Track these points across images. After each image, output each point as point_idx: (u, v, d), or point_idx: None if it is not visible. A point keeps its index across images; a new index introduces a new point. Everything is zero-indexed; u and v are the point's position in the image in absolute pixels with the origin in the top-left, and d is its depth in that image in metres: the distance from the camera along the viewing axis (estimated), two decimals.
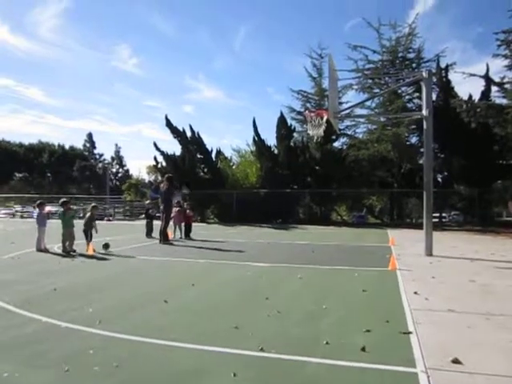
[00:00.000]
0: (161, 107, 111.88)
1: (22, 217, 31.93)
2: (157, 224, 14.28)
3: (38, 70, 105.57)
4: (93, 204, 12.25)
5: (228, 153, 30.88)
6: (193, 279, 6.96)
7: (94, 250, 10.37)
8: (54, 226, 11.60)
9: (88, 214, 11.43)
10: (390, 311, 4.97)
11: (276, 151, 26.08)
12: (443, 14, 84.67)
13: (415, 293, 5.85)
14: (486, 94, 22.94)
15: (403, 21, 27.36)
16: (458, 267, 8.33)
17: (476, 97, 23.14)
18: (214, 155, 27.23)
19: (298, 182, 25.42)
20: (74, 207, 20.76)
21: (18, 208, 35.84)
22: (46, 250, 10.65)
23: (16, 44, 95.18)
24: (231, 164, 28.76)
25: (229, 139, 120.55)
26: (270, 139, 30.93)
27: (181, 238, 14.50)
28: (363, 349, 3.66)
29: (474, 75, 22.81)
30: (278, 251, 11.20)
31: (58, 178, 65.35)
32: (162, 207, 13.69)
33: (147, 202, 17.97)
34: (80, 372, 3.24)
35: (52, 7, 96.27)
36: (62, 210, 11.13)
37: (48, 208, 13.06)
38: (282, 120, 25.92)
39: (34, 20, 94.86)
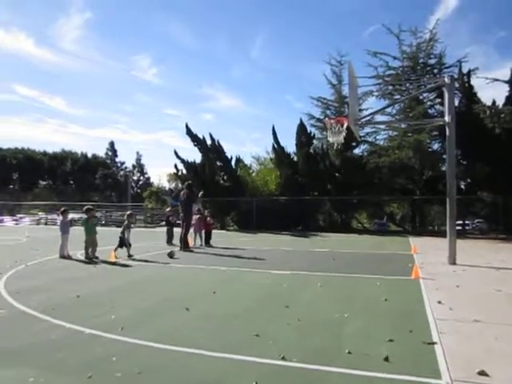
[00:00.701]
0: (180, 115, 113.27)
1: (46, 224, 32.55)
2: (177, 231, 14.37)
3: (61, 80, 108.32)
4: (128, 212, 12.40)
5: (247, 160, 30.91)
6: (214, 287, 6.98)
7: (117, 257, 10.50)
8: (77, 232, 11.80)
9: (125, 222, 11.57)
10: (414, 321, 4.88)
11: (295, 158, 26.04)
12: (463, 19, 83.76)
13: (439, 302, 5.74)
14: (510, 99, 22.44)
15: (423, 27, 27.11)
16: (483, 276, 8.14)
17: (500, 102, 22.70)
18: (233, 163, 27.34)
19: (317, 189, 25.26)
20: (98, 214, 21.10)
21: (43, 215, 36.57)
22: (69, 257, 10.83)
23: (40, 56, 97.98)
24: (251, 171, 28.82)
25: (248, 147, 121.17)
26: (290, 146, 30.95)
27: (201, 245, 14.56)
28: (386, 359, 3.61)
29: (497, 80, 22.41)
30: (298, 259, 11.14)
31: (80, 186, 66.55)
32: (181, 214, 13.81)
33: (168, 209, 18.15)
34: (103, 378, 3.28)
35: (75, 19, 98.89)
36: (85, 216, 11.32)
37: (71, 215, 13.30)
38: (301, 127, 25.88)
39: (57, 32, 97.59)
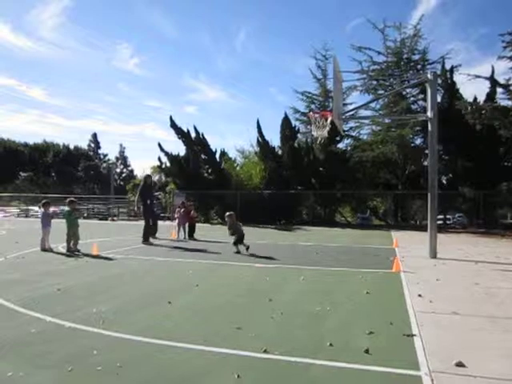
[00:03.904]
0: (162, 107, 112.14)
1: (26, 216, 32.05)
2: (161, 224, 14.29)
3: (39, 69, 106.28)
4: (228, 213, 11.69)
5: (232, 153, 30.78)
6: (196, 280, 6.97)
7: (98, 251, 10.40)
8: (59, 225, 11.64)
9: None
10: (394, 313, 4.95)
11: (280, 152, 26.08)
12: (445, 14, 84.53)
13: (419, 295, 5.84)
14: (491, 96, 22.81)
15: (406, 21, 27.31)
16: (462, 270, 8.29)
17: (481, 98, 23.07)
18: (218, 156, 27.25)
19: (301, 183, 25.39)
20: (80, 207, 20.83)
21: (23, 207, 35.98)
22: (50, 250, 10.69)
23: (18, 44, 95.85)
24: (235, 165, 28.78)
25: (232, 140, 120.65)
26: (274, 140, 30.89)
27: (184, 238, 14.52)
28: (367, 351, 3.66)
29: (479, 77, 22.74)
30: (281, 252, 11.19)
31: (62, 178, 65.61)
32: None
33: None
34: (83, 372, 3.26)
35: (51, 6, 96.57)
36: (67, 209, 11.16)
37: (52, 208, 13.10)
38: (286, 121, 25.92)
39: (34, 19, 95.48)
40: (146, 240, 12.86)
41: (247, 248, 10.63)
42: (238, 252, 10.63)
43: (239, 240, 10.94)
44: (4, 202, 40.06)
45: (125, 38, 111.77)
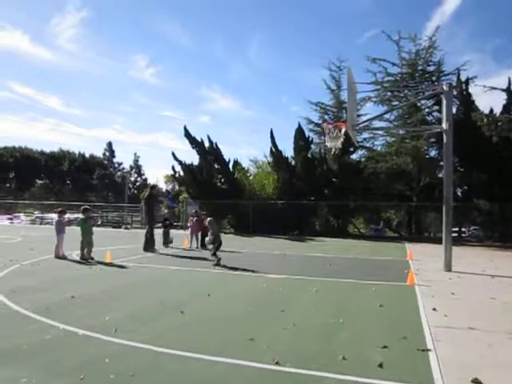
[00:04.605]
0: (177, 117, 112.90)
1: (41, 223, 32.45)
2: (173, 233, 14.34)
3: (56, 79, 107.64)
4: (209, 219, 11.58)
5: (244, 163, 30.87)
6: (208, 289, 6.96)
7: (112, 258, 10.46)
8: (73, 232, 11.75)
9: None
10: (408, 327, 4.88)
11: (293, 162, 26.07)
12: (460, 26, 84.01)
13: (434, 309, 5.75)
14: (507, 108, 22.57)
15: (420, 32, 27.27)
16: (478, 284, 8.15)
17: (497, 110, 22.83)
18: (231, 166, 27.35)
19: (314, 194, 25.30)
20: (95, 215, 21.00)
21: (38, 214, 36.45)
22: (64, 257, 10.79)
23: (36, 53, 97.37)
24: (248, 175, 28.83)
25: (246, 149, 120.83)
26: (288, 150, 30.89)
27: (197, 247, 14.55)
28: (380, 365, 3.60)
29: (495, 88, 22.55)
30: (294, 263, 11.13)
31: (77, 186, 66.27)
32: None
33: (165, 211, 18.14)
34: (95, 380, 3.26)
35: (70, 17, 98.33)
36: (81, 217, 11.27)
37: (67, 215, 13.26)
38: (299, 131, 25.94)
39: (53, 30, 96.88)
40: (148, 248, 12.95)
41: (219, 260, 10.18)
42: (219, 264, 10.00)
43: (217, 249, 10.54)
44: (20, 209, 40.64)
45: (141, 49, 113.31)
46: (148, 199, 13.89)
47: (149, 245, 13.02)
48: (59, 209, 12.09)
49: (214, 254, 10.33)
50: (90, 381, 3.24)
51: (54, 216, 20.08)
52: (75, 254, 11.06)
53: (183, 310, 5.50)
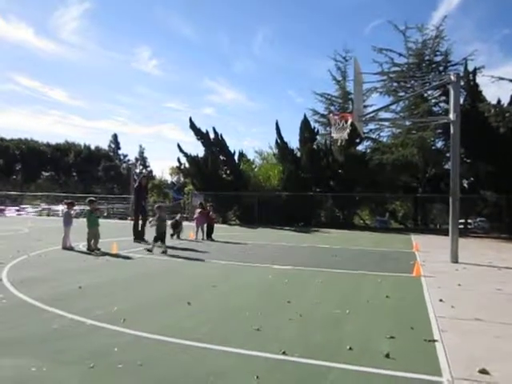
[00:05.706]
0: (181, 109, 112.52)
1: (48, 215, 32.64)
2: (184, 224, 14.39)
3: (61, 71, 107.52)
4: (157, 204, 11.82)
5: (250, 155, 30.82)
6: (215, 281, 6.99)
7: (118, 249, 10.51)
8: (79, 224, 11.82)
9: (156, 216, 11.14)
10: (415, 318, 4.88)
11: (299, 154, 25.99)
12: (467, 15, 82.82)
13: (440, 300, 5.74)
14: None
15: (426, 22, 26.96)
16: (484, 275, 8.13)
17: (505, 101, 22.57)
18: (236, 157, 27.31)
19: (320, 186, 25.24)
20: (101, 207, 21.06)
21: (45, 206, 36.66)
22: (71, 248, 10.87)
23: (40, 46, 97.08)
24: (253, 166, 28.78)
25: (250, 141, 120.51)
26: (293, 142, 30.79)
27: (203, 239, 14.58)
28: (387, 355, 3.61)
29: (502, 79, 22.25)
30: (299, 254, 11.15)
31: (83, 178, 66.53)
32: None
33: (178, 216, 17.92)
34: (104, 369, 3.30)
35: (73, 9, 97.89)
36: (87, 208, 11.32)
37: (75, 207, 13.42)
38: (305, 123, 25.80)
39: (56, 22, 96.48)
40: (138, 238, 12.94)
41: (164, 252, 10.38)
42: (151, 251, 10.37)
43: (159, 237, 10.62)
44: (27, 201, 40.91)
45: (144, 41, 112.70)
46: (136, 190, 13.89)
47: (137, 236, 13.02)
48: (69, 200, 12.18)
49: (155, 241, 10.60)
50: (99, 369, 3.27)
51: (62, 207, 20.19)
52: (82, 245, 11.14)
53: (190, 300, 5.53)
